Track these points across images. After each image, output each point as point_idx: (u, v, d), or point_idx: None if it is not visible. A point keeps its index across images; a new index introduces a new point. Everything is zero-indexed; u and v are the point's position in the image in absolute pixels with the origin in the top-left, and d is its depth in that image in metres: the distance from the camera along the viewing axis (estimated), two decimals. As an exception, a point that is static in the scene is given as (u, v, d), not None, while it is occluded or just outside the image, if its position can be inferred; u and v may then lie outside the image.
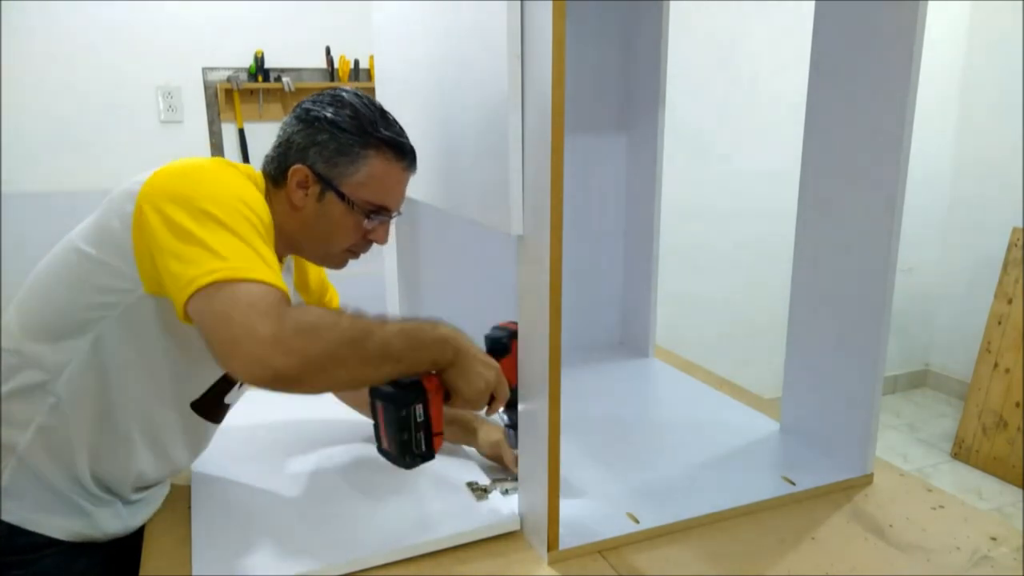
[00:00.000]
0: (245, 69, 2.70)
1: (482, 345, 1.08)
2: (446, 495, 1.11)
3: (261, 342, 0.79)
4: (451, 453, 1.23)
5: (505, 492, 1.11)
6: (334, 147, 1.01)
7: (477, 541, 1.02)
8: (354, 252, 1.11)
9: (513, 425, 1.14)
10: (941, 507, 1.13)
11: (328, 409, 1.35)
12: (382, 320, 0.91)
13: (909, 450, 3.35)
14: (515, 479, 1.14)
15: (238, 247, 0.86)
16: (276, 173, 1.05)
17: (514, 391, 1.06)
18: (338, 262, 1.12)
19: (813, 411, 1.30)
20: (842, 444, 1.24)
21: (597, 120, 1.72)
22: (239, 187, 0.94)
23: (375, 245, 1.12)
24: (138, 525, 1.08)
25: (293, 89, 2.73)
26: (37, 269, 0.99)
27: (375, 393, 0.97)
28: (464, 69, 1.06)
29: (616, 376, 1.69)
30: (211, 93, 2.69)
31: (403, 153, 1.06)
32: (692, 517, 1.08)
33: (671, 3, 1.60)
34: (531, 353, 0.97)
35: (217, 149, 2.73)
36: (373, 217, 1.06)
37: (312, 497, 1.12)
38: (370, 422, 1.02)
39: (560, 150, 0.86)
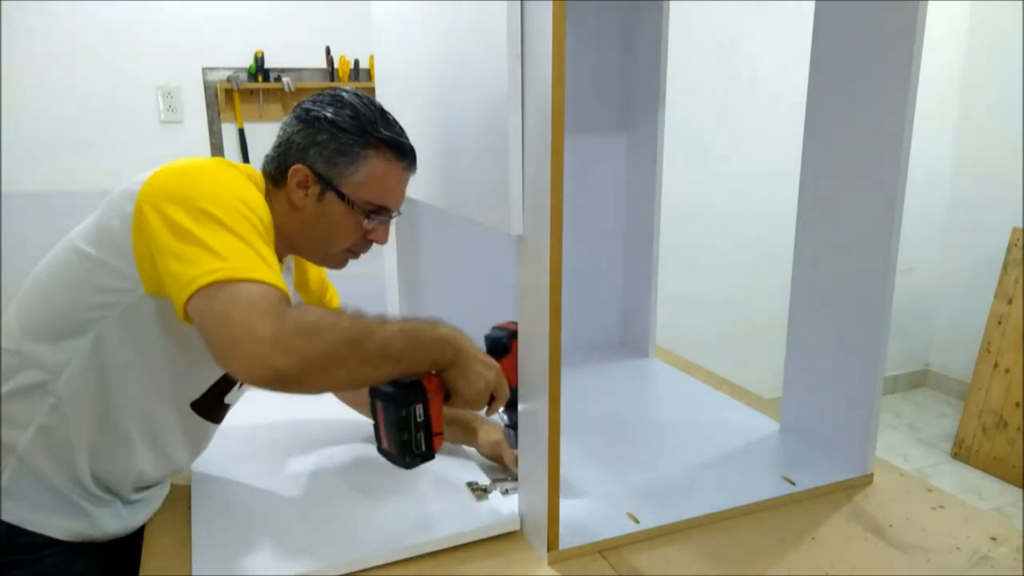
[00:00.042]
0: (245, 69, 2.70)
1: (482, 345, 1.08)
2: (446, 495, 1.11)
3: (261, 342, 0.79)
4: (451, 453, 1.23)
5: (505, 492, 1.11)
6: (334, 147, 1.01)
7: (477, 541, 1.02)
8: (354, 252, 1.11)
9: (513, 425, 1.14)
10: (941, 507, 1.13)
11: (328, 409, 1.35)
12: (382, 320, 0.91)
13: (909, 450, 3.35)
14: (515, 479, 1.14)
15: (238, 247, 0.86)
16: (276, 173, 1.05)
17: (514, 391, 1.06)
18: (338, 262, 1.12)
19: (813, 411, 1.30)
20: (842, 444, 1.24)
21: (597, 120, 1.72)
22: (239, 187, 0.94)
23: (375, 245, 1.12)
24: (138, 525, 1.08)
25: (293, 89, 2.73)
26: (37, 269, 0.99)
27: (375, 393, 0.97)
28: (464, 69, 1.06)
29: (616, 376, 1.69)
30: (211, 93, 2.69)
31: (403, 153, 1.06)
32: (692, 517, 1.08)
33: (671, 3, 1.60)
34: (531, 353, 0.97)
35: (217, 149, 2.73)
36: (373, 217, 1.06)
37: (312, 497, 1.12)
38: (370, 422, 1.02)
39: (560, 150, 0.86)
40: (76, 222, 1.00)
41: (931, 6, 1.07)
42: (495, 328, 1.13)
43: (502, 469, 1.19)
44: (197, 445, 1.12)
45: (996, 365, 3.13)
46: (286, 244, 1.06)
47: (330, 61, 2.80)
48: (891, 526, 1.08)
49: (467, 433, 1.24)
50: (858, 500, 1.15)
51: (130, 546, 1.06)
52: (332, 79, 2.80)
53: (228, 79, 2.68)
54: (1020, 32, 3.34)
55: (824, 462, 1.24)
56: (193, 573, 0.94)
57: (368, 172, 1.03)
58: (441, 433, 1.00)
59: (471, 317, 1.08)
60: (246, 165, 1.03)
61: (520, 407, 1.03)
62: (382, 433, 0.99)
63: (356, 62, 2.81)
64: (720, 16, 3.13)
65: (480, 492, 1.11)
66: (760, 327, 3.37)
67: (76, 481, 1.00)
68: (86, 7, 2.48)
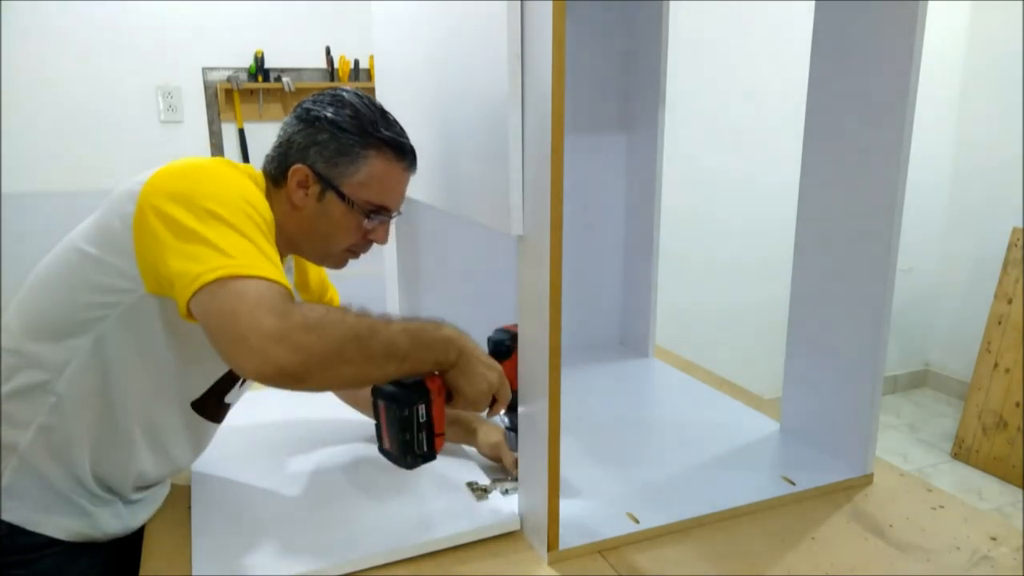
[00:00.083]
0: (245, 69, 2.71)
1: (485, 347, 1.08)
2: (446, 495, 1.12)
3: (267, 338, 0.79)
4: (451, 453, 1.23)
5: (505, 492, 1.11)
6: (334, 147, 1.02)
7: (477, 541, 1.02)
8: (354, 252, 1.11)
9: (514, 428, 1.14)
10: (941, 507, 1.13)
11: (328, 409, 1.35)
12: (387, 319, 0.91)
13: (909, 450, 3.35)
14: (515, 479, 1.14)
15: (242, 244, 0.86)
16: (276, 173, 1.05)
17: (515, 394, 1.06)
18: (338, 262, 1.12)
19: (813, 411, 1.30)
20: (842, 444, 1.24)
21: (597, 120, 1.72)
22: (241, 186, 0.94)
23: (375, 245, 1.12)
24: (138, 525, 1.08)
25: (293, 89, 2.73)
26: (37, 269, 0.99)
27: (378, 393, 0.97)
28: (464, 69, 1.07)
29: (616, 376, 1.69)
30: (211, 93, 2.69)
31: (403, 153, 1.06)
32: (692, 517, 1.08)
33: (671, 3, 1.61)
34: (531, 353, 0.98)
35: (217, 149, 2.73)
36: (373, 217, 1.06)
37: (312, 497, 1.12)
38: (370, 422, 1.02)
39: (560, 150, 0.86)
40: (76, 222, 1.00)
41: (931, 6, 1.07)
42: (498, 330, 1.13)
43: (502, 469, 1.19)
44: (198, 445, 1.12)
45: (996, 365, 3.13)
46: (286, 244, 1.06)
47: (330, 61, 2.80)
48: (891, 526, 1.08)
49: (467, 433, 1.25)
50: (858, 500, 1.15)
51: (130, 546, 1.06)
52: (332, 79, 2.80)
53: (228, 79, 2.68)
54: (1020, 32, 3.34)
55: (824, 462, 1.24)
56: (193, 573, 0.94)
57: (368, 172, 1.03)
58: (443, 434, 1.00)
59: (471, 317, 1.08)
60: (246, 165, 1.04)
61: (520, 406, 1.03)
62: (384, 433, 0.99)
63: (356, 62, 2.82)
64: (720, 16, 3.12)
65: (480, 492, 1.11)
66: (760, 327, 3.37)
67: (77, 481, 1.00)
68: (86, 7, 2.48)
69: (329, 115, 1.02)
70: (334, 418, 1.36)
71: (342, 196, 1.03)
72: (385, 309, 1.72)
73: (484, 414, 1.05)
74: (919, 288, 3.74)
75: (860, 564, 0.99)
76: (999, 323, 3.14)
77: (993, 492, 2.99)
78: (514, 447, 1.16)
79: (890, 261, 1.12)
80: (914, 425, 3.59)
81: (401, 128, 1.07)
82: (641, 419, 1.47)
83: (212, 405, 1.08)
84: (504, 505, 1.08)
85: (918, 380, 3.99)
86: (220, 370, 1.05)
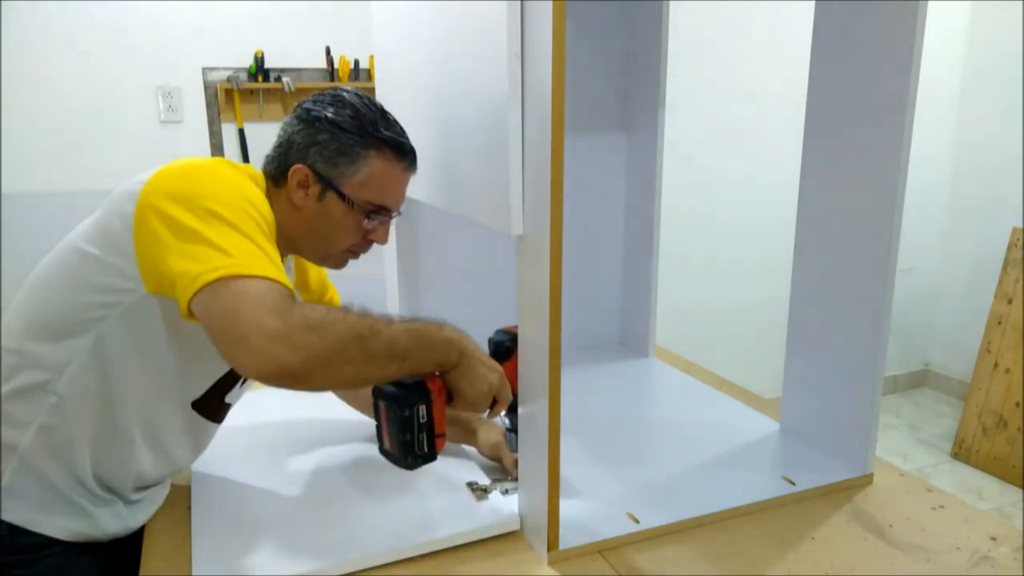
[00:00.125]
0: (245, 69, 2.71)
1: (486, 348, 1.08)
2: (446, 495, 1.12)
3: (269, 337, 0.79)
4: (451, 453, 1.23)
5: (505, 492, 1.11)
6: (335, 147, 1.02)
7: (477, 541, 1.03)
8: (354, 252, 1.11)
9: (514, 429, 1.14)
10: (941, 507, 1.13)
11: (328, 409, 1.35)
12: (388, 319, 0.91)
13: (909, 450, 3.35)
14: (515, 479, 1.14)
15: (243, 244, 0.86)
16: (277, 173, 1.05)
17: (516, 395, 1.06)
18: (338, 262, 1.12)
19: (813, 411, 1.30)
20: (842, 444, 1.24)
21: (597, 120, 1.72)
22: (241, 185, 0.94)
23: (375, 245, 1.12)
24: (139, 525, 1.08)
25: (293, 89, 2.73)
26: (38, 269, 0.99)
27: (378, 393, 0.97)
28: (464, 69, 1.07)
29: (616, 376, 1.69)
30: (211, 93, 2.69)
31: (403, 153, 1.06)
32: (692, 517, 1.08)
33: (671, 3, 1.61)
34: (531, 353, 0.98)
35: (217, 149, 2.73)
36: (373, 217, 1.06)
37: (312, 497, 1.13)
38: (370, 421, 1.02)
39: (560, 150, 0.86)
40: (76, 222, 1.00)
41: (931, 6, 1.07)
42: (499, 332, 1.13)
43: (502, 469, 1.19)
44: (198, 445, 1.12)
45: (996, 365, 3.13)
46: (286, 244, 1.06)
47: (330, 61, 2.80)
48: (891, 526, 1.08)
49: (467, 433, 1.25)
50: (858, 500, 1.15)
51: (131, 546, 1.06)
52: (332, 79, 2.80)
53: (228, 79, 2.68)
54: (1020, 32, 3.34)
55: (824, 462, 1.24)
56: (193, 573, 0.94)
57: (368, 172, 1.03)
58: (443, 434, 1.00)
59: (471, 317, 1.08)
60: (247, 165, 1.04)
61: (520, 406, 1.03)
62: (384, 433, 0.99)
63: (356, 62, 2.82)
64: (720, 17, 3.12)
65: (480, 492, 1.12)
66: (760, 327, 3.37)
67: (77, 481, 1.00)
68: (86, 7, 2.48)
69: (329, 115, 1.02)
70: (334, 418, 1.36)
71: (342, 196, 1.03)
72: (385, 309, 1.72)
73: (484, 415, 1.05)
74: (919, 288, 3.74)
75: (860, 564, 0.99)
76: (999, 323, 3.14)
77: (993, 492, 2.99)
78: (514, 448, 1.16)
79: (890, 261, 1.12)
80: (914, 425, 3.59)
81: (401, 128, 1.07)
82: (641, 419, 1.47)
83: (212, 405, 1.08)
84: (504, 505, 1.08)
85: (918, 380, 3.99)
86: (220, 370, 1.05)
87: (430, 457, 0.99)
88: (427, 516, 1.06)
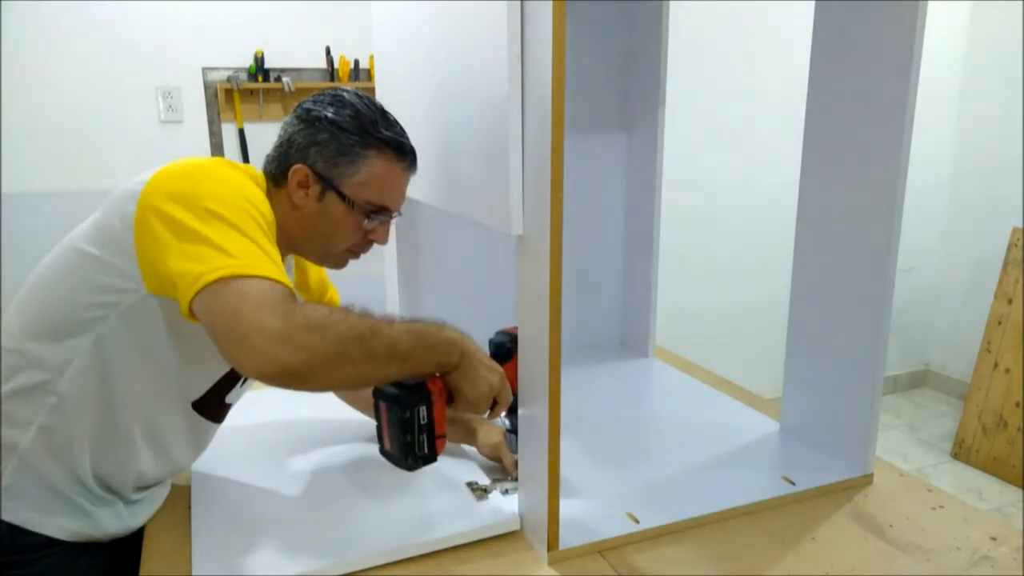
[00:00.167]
0: (245, 69, 2.71)
1: (486, 349, 1.08)
2: (446, 495, 1.12)
3: (270, 337, 0.79)
4: (451, 453, 1.23)
5: (505, 492, 1.11)
6: (335, 147, 1.02)
7: (477, 541, 1.03)
8: (354, 252, 1.11)
9: (514, 430, 1.14)
10: (941, 507, 1.13)
11: (329, 409, 1.35)
12: (389, 320, 0.91)
13: (909, 450, 3.35)
14: (515, 479, 1.14)
15: (244, 244, 0.86)
16: (277, 173, 1.05)
17: (516, 396, 1.06)
18: (338, 262, 1.12)
19: (813, 411, 1.30)
20: (842, 444, 1.24)
21: (597, 120, 1.72)
22: (241, 185, 0.94)
23: (375, 245, 1.12)
24: (139, 525, 1.08)
25: (293, 89, 2.73)
26: (38, 269, 0.99)
27: (379, 394, 0.97)
28: (464, 69, 1.07)
29: (616, 376, 1.69)
30: (211, 93, 2.69)
31: (404, 153, 1.06)
32: (692, 517, 1.08)
33: (671, 3, 1.61)
34: (531, 353, 0.98)
35: (217, 149, 2.73)
36: (373, 217, 1.06)
37: (312, 497, 1.13)
38: (370, 421, 1.02)
39: (560, 150, 0.86)
40: (76, 222, 1.00)
41: (931, 6, 1.07)
42: (499, 333, 1.13)
43: (502, 469, 1.19)
44: (198, 445, 1.12)
45: (996, 365, 3.13)
46: (287, 244, 1.06)
47: (330, 61, 2.80)
48: (891, 526, 1.08)
49: (467, 433, 1.25)
50: (858, 500, 1.15)
51: (131, 546, 1.06)
52: (332, 79, 2.80)
53: (228, 79, 2.68)
54: (1020, 32, 3.34)
55: (824, 462, 1.24)
56: (193, 573, 0.94)
57: (369, 172, 1.03)
58: (444, 436, 1.00)
59: (471, 317, 1.08)
60: (247, 165, 1.04)
61: (520, 406, 1.03)
62: (385, 434, 0.99)
63: (356, 62, 2.82)
64: (721, 17, 3.12)
65: (480, 492, 1.12)
66: (760, 327, 3.37)
67: (77, 481, 1.00)
68: (86, 7, 2.48)
69: (329, 115, 1.02)
70: (334, 418, 1.36)
71: (342, 196, 1.03)
72: (385, 309, 1.72)
73: (485, 416, 1.05)
74: (919, 288, 3.75)
75: (860, 564, 0.99)
76: (999, 323, 3.14)
77: (993, 492, 2.99)
78: (514, 449, 1.16)
79: (890, 261, 1.12)
80: (914, 425, 3.59)
81: (401, 128, 1.07)
82: (641, 419, 1.47)
83: (213, 405, 1.08)
84: (504, 505, 1.08)
85: (918, 380, 3.99)
86: (221, 370, 1.05)
87: (430, 458, 0.99)
88: (427, 516, 1.06)
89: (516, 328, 1.08)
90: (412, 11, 1.29)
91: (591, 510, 1.10)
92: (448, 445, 1.20)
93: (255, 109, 2.75)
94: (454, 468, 1.19)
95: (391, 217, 1.10)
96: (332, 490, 1.14)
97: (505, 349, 1.10)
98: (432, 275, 1.64)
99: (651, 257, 1.74)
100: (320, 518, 1.06)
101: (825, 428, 1.27)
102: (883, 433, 3.26)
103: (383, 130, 1.03)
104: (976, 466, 3.17)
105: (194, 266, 0.83)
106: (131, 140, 2.61)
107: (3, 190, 2.46)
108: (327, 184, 1.02)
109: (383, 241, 1.11)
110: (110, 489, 1.04)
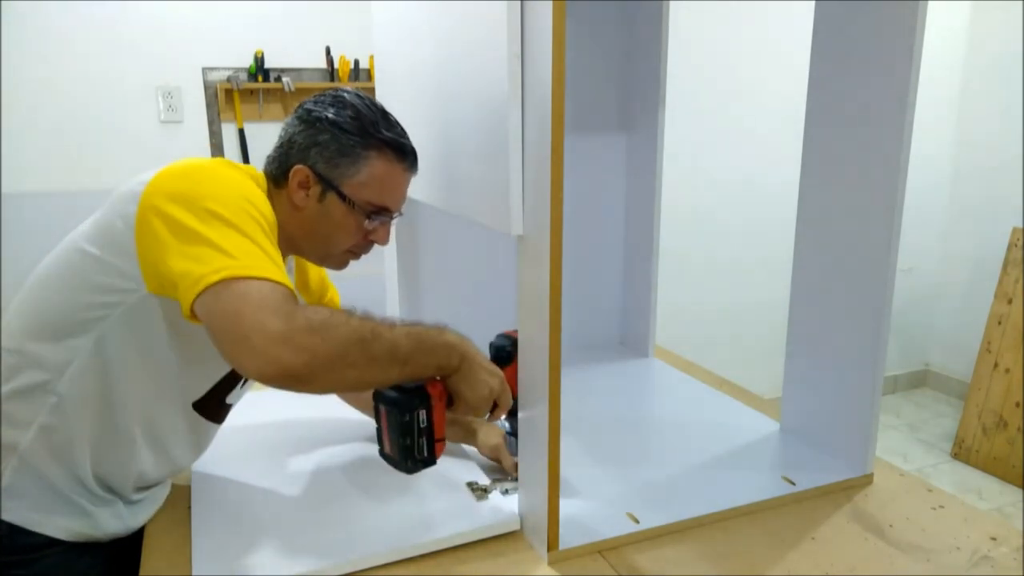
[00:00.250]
0: (245, 69, 2.71)
1: (486, 352, 1.08)
2: (446, 495, 1.12)
3: (271, 339, 0.79)
4: (451, 453, 1.23)
5: (505, 492, 1.11)
6: (335, 148, 1.02)
7: (477, 541, 1.03)
8: (355, 253, 1.11)
9: (514, 432, 1.14)
10: (941, 507, 1.13)
11: (328, 409, 1.35)
12: (390, 323, 0.91)
13: (909, 450, 3.35)
14: (515, 479, 1.14)
15: (246, 245, 0.86)
16: (277, 173, 1.05)
17: (516, 399, 1.06)
18: (339, 263, 1.12)
19: (813, 411, 1.30)
20: (842, 444, 1.24)
21: (597, 120, 1.72)
22: (243, 186, 0.94)
23: (376, 246, 1.12)
24: (139, 525, 1.08)
25: (293, 89, 2.73)
26: (38, 269, 0.99)
27: (379, 397, 0.97)
28: (464, 69, 1.07)
29: (616, 376, 1.69)
30: (211, 93, 2.69)
31: (404, 154, 1.06)
32: (692, 517, 1.08)
33: (671, 3, 1.61)
34: (531, 353, 0.98)
35: (217, 149, 2.73)
36: (374, 218, 1.06)
37: (312, 497, 1.13)
38: (370, 421, 1.02)
39: (560, 150, 0.86)
40: (76, 222, 1.00)
41: (931, 6, 1.07)
42: (499, 336, 1.13)
43: (502, 469, 1.19)
44: (199, 445, 1.12)
45: (996, 365, 3.13)
46: (287, 244, 1.06)
47: (330, 61, 2.80)
48: (891, 526, 1.08)
49: (467, 434, 1.25)
50: (858, 500, 1.15)
51: (131, 546, 1.06)
52: (332, 79, 2.80)
53: (228, 79, 2.68)
54: (1020, 32, 3.34)
55: (824, 462, 1.24)
56: (193, 573, 0.94)
57: (369, 173, 1.03)
58: (443, 439, 1.00)
59: (471, 317, 1.08)
60: (248, 165, 1.04)
61: (520, 406, 1.03)
62: (384, 437, 0.99)
63: (356, 62, 2.82)
64: (722, 17, 3.13)
65: (480, 492, 1.12)
66: (760, 327, 3.37)
67: (78, 481, 1.00)
68: (86, 7, 2.48)
69: (330, 116, 1.02)
70: (334, 418, 1.36)
71: (343, 197, 1.03)
72: (385, 309, 1.72)
73: (485, 419, 1.05)
74: (919, 288, 3.75)
75: (860, 564, 0.99)
76: (999, 323, 3.14)
77: (993, 492, 2.99)
78: (514, 451, 1.16)
79: (890, 261, 1.12)
80: (914, 425, 3.59)
81: (402, 129, 1.07)
82: (641, 419, 1.47)
83: (213, 406, 1.08)
84: (504, 505, 1.08)
85: (918, 380, 3.99)
86: (222, 371, 1.05)
87: (430, 461, 0.99)
88: (427, 516, 1.06)
89: (516, 331, 1.08)
90: (412, 11, 1.29)
91: (591, 510, 1.10)
92: (448, 445, 1.20)
93: (255, 109, 2.75)
94: (454, 468, 1.19)
95: (392, 218, 1.10)
96: (332, 490, 1.14)
97: (505, 352, 1.10)
98: (432, 275, 1.64)
99: (651, 257, 1.74)
100: (320, 518, 1.06)
101: (825, 428, 1.28)
102: (883, 433, 3.26)
103: (384, 131, 1.03)
104: (976, 466, 3.17)
105: (195, 267, 0.83)
106: (131, 140, 2.61)
107: (3, 190, 2.46)
108: (328, 185, 1.02)
109: (384, 242, 1.11)
110: (110, 489, 1.04)
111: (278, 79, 2.72)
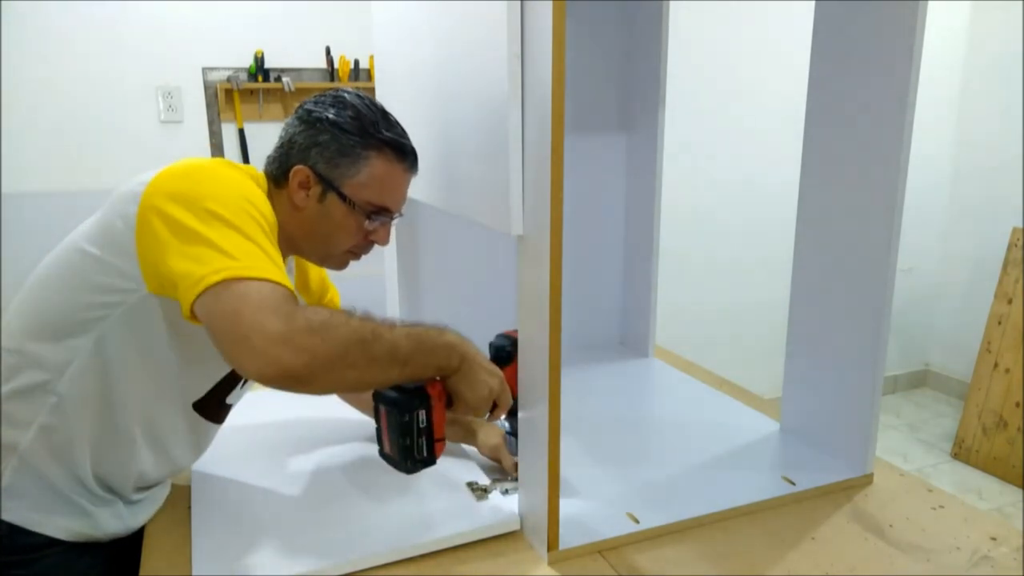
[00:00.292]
0: (245, 69, 2.71)
1: (486, 352, 1.08)
2: (446, 495, 1.12)
3: (271, 339, 0.79)
4: (451, 453, 1.23)
5: (505, 492, 1.11)
6: (336, 148, 1.02)
7: (477, 541, 1.03)
8: (355, 253, 1.11)
9: (514, 432, 1.14)
10: (941, 507, 1.13)
11: (328, 409, 1.35)
12: (390, 324, 0.91)
13: (909, 450, 3.35)
14: (515, 479, 1.14)
15: (246, 246, 0.86)
16: (278, 173, 1.05)
17: (516, 399, 1.06)
18: (339, 263, 1.12)
19: (813, 411, 1.30)
20: (842, 444, 1.24)
21: (597, 120, 1.72)
22: (243, 186, 0.94)
23: (376, 246, 1.12)
24: (139, 525, 1.08)
25: (293, 89, 2.73)
26: (38, 269, 0.99)
27: (379, 397, 0.97)
28: (464, 69, 1.07)
29: (616, 376, 1.69)
30: (211, 93, 2.69)
31: (404, 154, 1.06)
32: (692, 517, 1.08)
33: (671, 3, 1.61)
34: (531, 353, 0.98)
35: (217, 149, 2.73)
36: (374, 218, 1.06)
37: (312, 497, 1.13)
38: (370, 421, 1.02)
39: (560, 150, 0.86)
40: (76, 222, 1.00)
41: (931, 6, 1.07)
42: (499, 336, 1.13)
43: (502, 469, 1.19)
44: (199, 445, 1.12)
45: (996, 365, 3.13)
46: (287, 244, 1.06)
47: (330, 61, 2.80)
48: (891, 526, 1.08)
49: (467, 434, 1.25)
50: (858, 500, 1.15)
51: (131, 546, 1.06)
52: (332, 79, 2.80)
53: (228, 79, 2.68)
54: (1020, 32, 3.34)
55: (824, 462, 1.24)
56: (193, 573, 0.94)
57: (369, 173, 1.03)
58: (443, 439, 1.00)
59: (471, 317, 1.08)
60: (248, 165, 1.04)
61: (520, 406, 1.03)
62: (384, 437, 0.99)
63: (356, 62, 2.82)
64: (722, 17, 3.13)
65: (480, 492, 1.12)
66: (760, 327, 3.37)
67: (78, 481, 1.00)
68: (86, 7, 2.48)
69: (331, 116, 1.02)
70: (334, 418, 1.36)
71: (343, 197, 1.03)
72: (385, 310, 1.72)
73: (485, 419, 1.05)
74: (919, 288, 3.75)
75: (860, 564, 0.99)
76: (999, 323, 3.14)
77: (993, 492, 2.99)
78: (514, 452, 1.16)
79: (890, 261, 1.12)
80: (914, 425, 3.59)
81: (402, 129, 1.07)
82: (641, 419, 1.47)
83: (213, 406, 1.08)
84: (504, 505, 1.08)
85: (918, 380, 3.99)
86: (222, 371, 1.05)
87: (429, 462, 0.99)
88: (427, 516, 1.06)
89: (516, 331, 1.08)
90: (412, 11, 1.29)
91: (591, 510, 1.10)
92: (448, 445, 1.20)
93: (255, 109, 2.75)
94: (454, 468, 1.19)
95: (392, 218, 1.10)
96: (332, 490, 1.14)
97: (505, 352, 1.10)
98: (432, 275, 1.64)
99: (651, 257, 1.74)
100: (320, 518, 1.06)
101: (825, 428, 1.28)
102: (883, 433, 3.26)
103: (384, 131, 1.04)
104: (976, 466, 3.17)
105: (195, 268, 0.83)
106: (131, 140, 2.61)
107: (3, 190, 2.46)
108: (328, 185, 1.02)
109: (384, 242, 1.11)
110: (110, 489, 1.04)
111: (278, 79, 2.72)
